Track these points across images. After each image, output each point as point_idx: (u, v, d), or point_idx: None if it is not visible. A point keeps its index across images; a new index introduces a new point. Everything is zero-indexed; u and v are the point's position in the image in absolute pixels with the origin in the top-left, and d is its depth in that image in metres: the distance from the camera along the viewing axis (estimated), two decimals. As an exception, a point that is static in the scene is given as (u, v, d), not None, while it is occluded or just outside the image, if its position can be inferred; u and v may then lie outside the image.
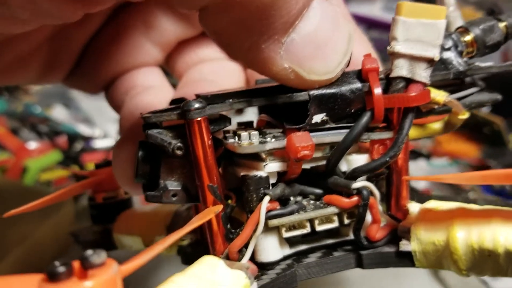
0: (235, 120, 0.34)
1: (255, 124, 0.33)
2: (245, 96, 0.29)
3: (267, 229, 0.29)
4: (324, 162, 0.30)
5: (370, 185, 0.30)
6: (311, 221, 0.30)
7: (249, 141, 0.29)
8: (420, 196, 0.32)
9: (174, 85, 0.41)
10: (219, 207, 0.28)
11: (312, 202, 0.31)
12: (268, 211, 0.29)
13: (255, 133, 0.29)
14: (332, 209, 0.30)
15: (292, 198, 0.31)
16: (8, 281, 0.20)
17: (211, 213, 0.28)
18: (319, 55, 0.27)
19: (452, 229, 0.28)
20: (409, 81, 0.28)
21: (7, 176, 0.75)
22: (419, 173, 0.75)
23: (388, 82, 0.29)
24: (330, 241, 0.32)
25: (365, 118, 0.29)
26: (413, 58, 0.28)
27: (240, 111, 0.36)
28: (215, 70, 0.40)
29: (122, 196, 0.41)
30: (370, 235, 0.31)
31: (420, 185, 0.70)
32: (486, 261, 0.28)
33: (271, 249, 0.30)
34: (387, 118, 0.30)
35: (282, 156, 0.29)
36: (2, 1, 0.26)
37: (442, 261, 0.29)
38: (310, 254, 0.31)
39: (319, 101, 0.28)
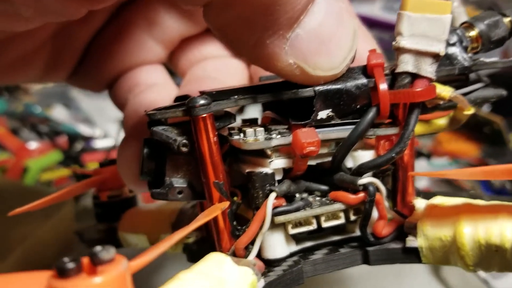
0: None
1: (259, 121, 0.33)
2: (250, 92, 0.29)
3: (273, 225, 0.29)
4: (329, 159, 0.30)
5: (376, 181, 0.29)
6: (317, 217, 0.30)
7: (254, 138, 0.29)
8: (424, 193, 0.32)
9: (178, 85, 0.41)
10: (226, 204, 0.28)
11: (318, 198, 0.31)
12: (274, 207, 0.29)
13: (260, 129, 0.29)
14: (338, 206, 0.30)
15: (298, 195, 0.30)
16: (17, 278, 0.20)
17: (217, 210, 0.28)
18: (324, 50, 0.27)
19: (458, 224, 0.28)
20: (414, 77, 0.28)
21: (8, 176, 0.75)
22: (419, 173, 0.75)
23: (394, 78, 0.29)
24: (336, 238, 0.32)
25: (371, 114, 0.29)
26: (419, 53, 0.28)
27: (241, 109, 0.36)
28: (218, 68, 0.40)
29: (127, 194, 0.41)
30: (377, 231, 0.31)
31: (421, 184, 0.70)
32: (493, 257, 0.27)
33: (278, 245, 0.30)
34: (393, 114, 0.30)
35: (288, 152, 0.29)
36: None
37: (449, 257, 0.29)
38: (316, 251, 0.31)
39: (324, 97, 0.28)
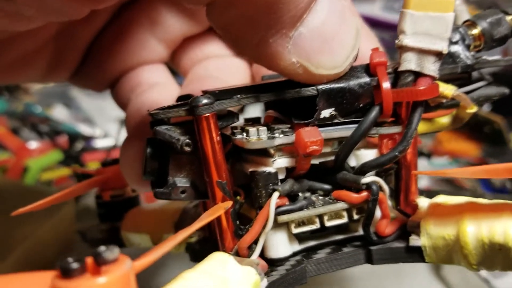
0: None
1: (262, 120, 0.33)
2: (253, 91, 0.29)
3: (277, 225, 0.29)
4: (332, 158, 0.30)
5: (379, 180, 0.29)
6: (321, 216, 0.30)
7: (257, 137, 0.29)
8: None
9: (179, 84, 0.41)
10: (229, 203, 0.28)
11: (321, 197, 0.30)
12: (278, 207, 0.29)
13: (263, 128, 0.29)
14: (341, 205, 0.30)
15: (301, 194, 0.30)
16: (20, 278, 0.20)
17: (220, 209, 0.28)
18: (327, 49, 0.27)
19: (462, 223, 0.28)
20: (417, 75, 0.28)
21: (8, 176, 0.75)
22: (419, 172, 0.75)
23: (397, 76, 0.29)
24: (339, 237, 0.32)
25: (374, 113, 0.29)
26: (422, 52, 0.28)
27: (241, 109, 0.36)
28: (220, 67, 0.40)
29: (130, 194, 0.41)
30: (380, 230, 0.31)
31: (421, 183, 0.70)
32: (496, 255, 0.27)
33: (281, 245, 0.30)
34: (396, 113, 0.30)
35: (291, 151, 0.29)
36: None
37: (452, 256, 0.29)
38: (319, 250, 0.31)
39: (327, 95, 0.28)
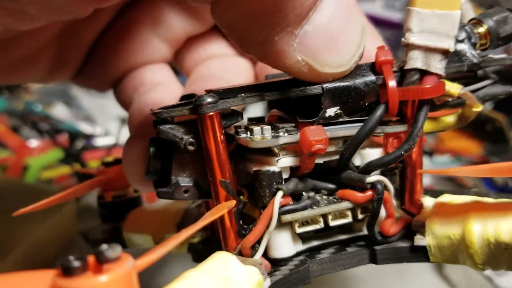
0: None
1: (266, 119, 0.33)
2: (257, 90, 0.29)
3: (280, 224, 0.29)
4: (337, 157, 0.30)
5: (384, 179, 0.29)
6: (325, 216, 0.30)
7: (261, 136, 0.29)
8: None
9: (183, 84, 0.41)
10: (232, 203, 0.28)
11: (325, 197, 0.30)
12: (281, 206, 0.28)
13: (267, 127, 0.29)
14: (345, 204, 0.29)
15: (305, 193, 0.30)
16: (22, 277, 0.20)
17: (224, 208, 0.28)
18: (333, 47, 0.27)
19: (467, 222, 0.28)
20: (424, 73, 0.28)
21: (8, 174, 0.75)
22: (421, 171, 0.75)
23: (403, 75, 0.29)
24: (343, 237, 0.32)
25: (379, 111, 0.28)
26: (428, 50, 0.28)
27: (242, 110, 0.35)
28: (224, 67, 0.39)
29: (132, 194, 0.41)
30: (384, 230, 0.30)
31: (423, 182, 0.69)
32: (502, 255, 0.27)
33: (284, 245, 0.30)
34: (401, 111, 0.29)
35: (295, 150, 0.29)
36: None
37: (457, 255, 0.29)
38: (323, 250, 0.31)
39: (332, 94, 0.28)
